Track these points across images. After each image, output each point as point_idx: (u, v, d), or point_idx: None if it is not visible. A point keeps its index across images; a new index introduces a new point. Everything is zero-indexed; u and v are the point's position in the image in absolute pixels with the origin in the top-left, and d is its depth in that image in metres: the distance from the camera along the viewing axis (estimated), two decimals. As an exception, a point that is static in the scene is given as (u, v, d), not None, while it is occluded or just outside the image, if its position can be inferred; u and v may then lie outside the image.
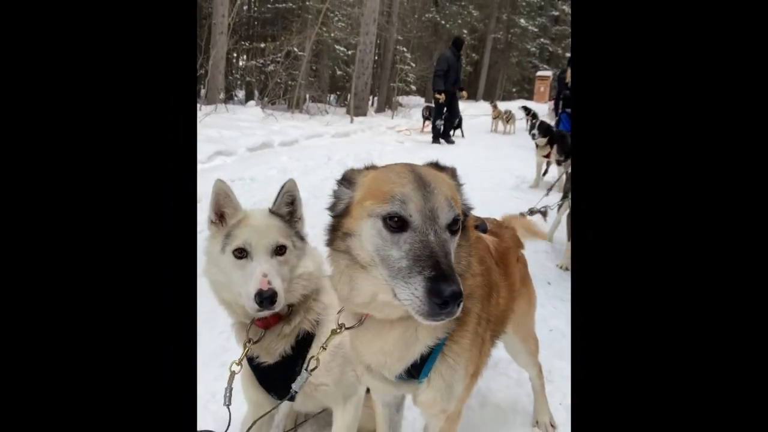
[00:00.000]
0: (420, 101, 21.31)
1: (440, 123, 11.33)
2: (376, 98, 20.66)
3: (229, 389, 1.42)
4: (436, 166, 1.20)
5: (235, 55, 19.80)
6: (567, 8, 33.71)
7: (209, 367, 2.20)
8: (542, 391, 2.07)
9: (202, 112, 9.58)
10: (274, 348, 1.52)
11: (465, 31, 26.50)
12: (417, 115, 15.14)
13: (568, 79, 7.77)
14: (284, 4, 18.95)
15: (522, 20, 33.96)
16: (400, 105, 20.28)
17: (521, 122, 13.69)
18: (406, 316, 1.09)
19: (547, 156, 6.97)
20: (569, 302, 1.12)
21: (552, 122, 8.68)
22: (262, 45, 17.28)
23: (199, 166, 5.88)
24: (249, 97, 17.71)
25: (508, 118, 14.45)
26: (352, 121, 13.55)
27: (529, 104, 16.76)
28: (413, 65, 21.49)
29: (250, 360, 1.55)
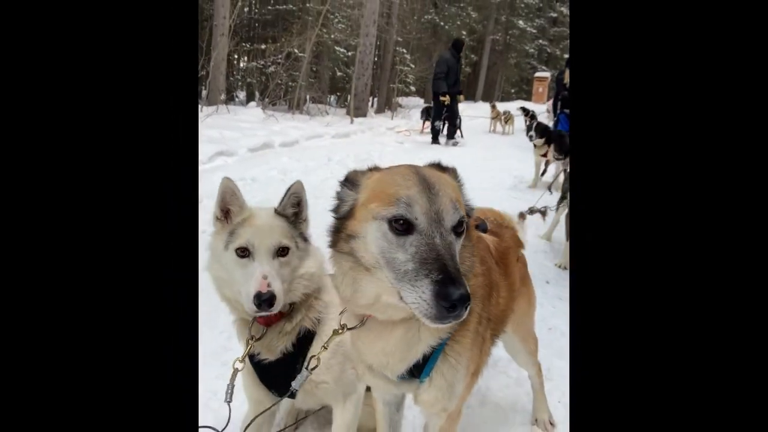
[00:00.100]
0: (419, 102, 21.24)
1: (439, 124, 11.28)
2: (375, 99, 20.65)
3: (231, 386, 1.42)
4: (438, 166, 1.20)
5: (236, 56, 19.80)
6: (565, 10, 33.74)
7: (210, 365, 2.20)
8: (541, 390, 2.08)
9: (204, 112, 9.58)
10: (276, 345, 1.52)
11: (464, 33, 26.43)
12: (416, 115, 15.13)
13: (567, 80, 7.76)
14: (285, 6, 19.00)
15: (520, 22, 33.96)
16: (400, 106, 20.28)
17: (520, 122, 13.70)
18: (408, 317, 1.09)
19: (545, 155, 7.00)
20: (568, 301, 1.13)
21: (550, 123, 8.69)
22: (263, 46, 17.29)
23: (201, 167, 5.87)
24: (250, 98, 17.72)
25: (507, 118, 14.46)
26: (352, 121, 13.54)
27: (528, 105, 16.76)
28: (413, 66, 21.50)
29: (251, 357, 1.55)
